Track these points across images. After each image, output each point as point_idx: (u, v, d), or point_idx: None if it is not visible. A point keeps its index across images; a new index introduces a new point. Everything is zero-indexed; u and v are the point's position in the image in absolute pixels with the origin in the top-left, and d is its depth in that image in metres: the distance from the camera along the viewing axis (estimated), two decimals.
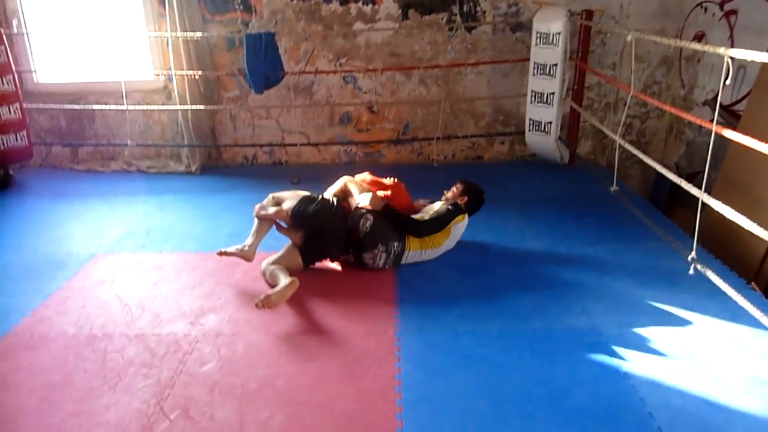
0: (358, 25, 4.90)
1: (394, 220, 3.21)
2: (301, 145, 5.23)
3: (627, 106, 3.64)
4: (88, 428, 2.15)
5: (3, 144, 4.74)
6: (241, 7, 4.86)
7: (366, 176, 3.51)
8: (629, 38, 3.25)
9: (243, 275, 3.24)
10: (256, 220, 3.27)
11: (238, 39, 4.88)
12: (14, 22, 4.95)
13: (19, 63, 5.02)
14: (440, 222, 3.29)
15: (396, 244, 3.19)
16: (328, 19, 4.89)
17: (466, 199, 3.46)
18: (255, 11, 4.87)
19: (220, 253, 3.16)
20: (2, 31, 4.66)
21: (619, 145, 3.62)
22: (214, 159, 5.36)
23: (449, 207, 3.35)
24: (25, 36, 5.02)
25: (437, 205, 3.43)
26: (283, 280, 2.90)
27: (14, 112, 4.77)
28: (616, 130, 4.28)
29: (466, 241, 3.50)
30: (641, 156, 3.19)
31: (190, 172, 5.03)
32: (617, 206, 3.92)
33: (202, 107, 4.96)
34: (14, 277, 3.27)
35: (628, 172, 5.25)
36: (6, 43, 4.66)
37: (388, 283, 3.13)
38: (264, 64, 4.63)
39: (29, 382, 2.40)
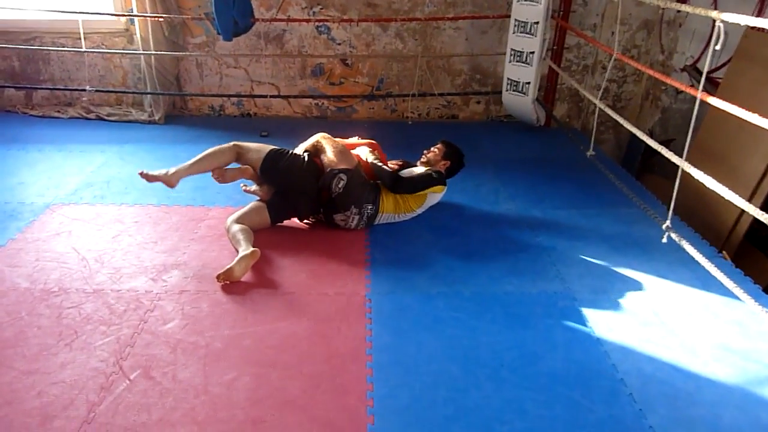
0: None
1: (376, 170, 3.11)
2: (270, 96, 5.02)
3: (608, 69, 3.56)
4: (42, 388, 2.04)
5: None
6: None
7: (356, 140, 3.36)
8: None
9: (208, 230, 3.11)
10: (201, 154, 3.06)
11: None
12: None
13: None
14: (420, 183, 3.18)
15: (369, 207, 3.10)
16: None
17: (448, 163, 3.36)
18: None
19: (142, 174, 2.94)
20: None
21: (597, 110, 3.56)
22: (179, 108, 5.12)
23: (433, 173, 3.23)
24: None
25: (417, 169, 3.32)
26: (243, 248, 2.76)
27: None
28: (593, 93, 4.22)
29: (440, 202, 3.43)
30: (622, 121, 3.13)
31: (153, 121, 4.80)
32: (592, 171, 3.89)
33: (166, 53, 4.69)
34: None
35: (601, 137, 5.23)
36: None
37: (359, 243, 3.04)
38: (233, 8, 4.36)
39: None
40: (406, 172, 3.28)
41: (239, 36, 4.57)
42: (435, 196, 3.30)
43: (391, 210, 3.17)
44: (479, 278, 2.78)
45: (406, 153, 3.67)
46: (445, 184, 3.30)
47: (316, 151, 3.19)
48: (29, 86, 4.93)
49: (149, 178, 2.95)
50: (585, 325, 2.46)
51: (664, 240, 2.66)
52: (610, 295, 2.67)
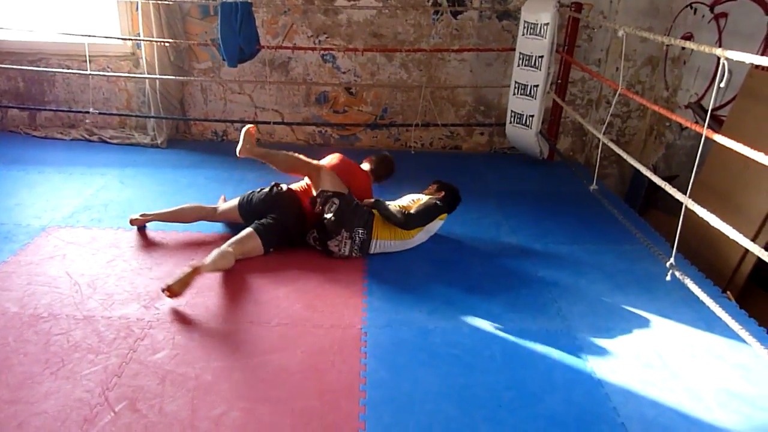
0: (341, 2, 4.70)
1: (386, 214, 3.10)
2: (274, 123, 5.02)
3: (613, 104, 3.55)
4: (24, 418, 1.98)
5: None
6: None
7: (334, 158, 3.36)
8: (621, 33, 3.14)
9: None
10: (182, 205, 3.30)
11: (213, 7, 4.63)
12: None
13: None
14: (429, 214, 3.19)
15: (361, 231, 3.06)
16: None
17: (442, 193, 3.33)
18: None
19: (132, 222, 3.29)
20: None
21: (600, 145, 3.53)
22: (182, 132, 5.12)
23: (437, 201, 3.22)
24: None
25: (424, 197, 3.29)
26: (194, 263, 2.75)
27: None
28: (597, 128, 4.21)
29: (441, 234, 3.38)
30: (626, 156, 3.10)
31: (155, 145, 4.79)
32: (595, 205, 3.85)
33: (171, 77, 4.71)
34: None
35: (605, 171, 5.20)
36: None
37: (357, 274, 2.99)
38: (239, 35, 4.40)
39: None
40: (413, 198, 3.30)
41: (244, 62, 4.60)
42: (435, 224, 3.27)
43: (387, 237, 3.13)
44: (478, 313, 2.71)
45: (409, 182, 3.64)
46: (447, 212, 3.30)
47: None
48: (33, 107, 4.95)
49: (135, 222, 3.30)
50: (586, 366, 2.39)
51: (668, 278, 2.60)
52: (612, 334, 2.60)
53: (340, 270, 3.02)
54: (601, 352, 2.48)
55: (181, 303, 2.66)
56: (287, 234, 3.14)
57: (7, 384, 2.12)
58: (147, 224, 3.34)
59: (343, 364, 2.33)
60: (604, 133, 3.48)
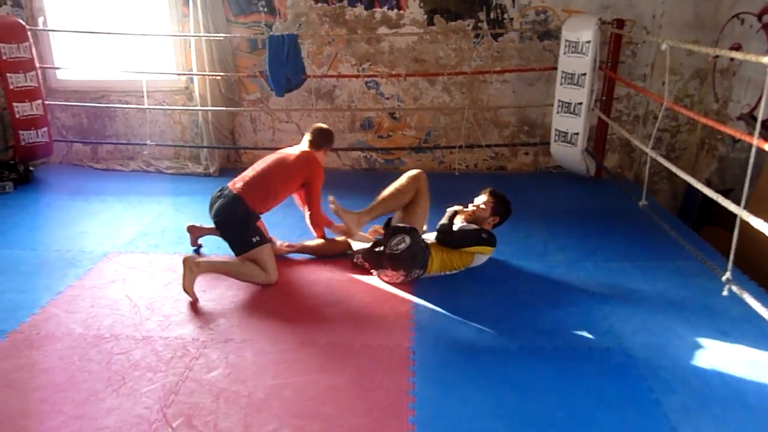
0: (383, 30, 4.82)
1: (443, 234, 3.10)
2: None
3: (659, 118, 3.49)
4: None
5: (24, 140, 4.75)
6: (266, 9, 4.82)
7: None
8: (664, 47, 3.11)
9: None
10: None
11: (261, 41, 4.83)
12: (40, 20, 4.97)
13: (44, 60, 5.03)
14: (467, 240, 3.11)
15: (418, 271, 3.08)
16: (353, 23, 4.82)
17: (497, 219, 3.28)
18: (279, 13, 4.83)
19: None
20: (28, 28, 4.69)
21: (649, 158, 3.47)
22: (233, 161, 5.31)
23: (483, 234, 3.14)
24: (50, 33, 5.03)
25: (467, 227, 3.23)
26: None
27: (36, 108, 4.78)
28: (645, 143, 4.13)
29: None
30: (674, 169, 3.04)
31: (208, 174, 4.98)
32: (646, 221, 3.77)
33: (222, 109, 4.92)
34: (26, 273, 3.22)
35: (655, 188, 5.08)
36: (31, 40, 4.67)
37: (404, 294, 3.01)
38: (286, 66, 4.57)
39: (32, 381, 2.34)
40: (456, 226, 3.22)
41: (291, 92, 4.76)
42: (482, 257, 3.20)
43: (436, 270, 3.13)
44: (528, 332, 2.69)
45: (453, 203, 3.66)
46: (493, 246, 3.18)
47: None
48: (95, 141, 5.25)
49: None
50: (641, 384, 2.32)
51: (725, 293, 2.51)
52: (667, 351, 2.53)
53: (387, 290, 3.05)
54: (656, 370, 2.41)
55: (233, 324, 2.74)
56: (233, 246, 3.15)
57: (73, 400, 2.23)
58: (201, 246, 3.47)
59: (391, 383, 2.34)
60: (652, 148, 3.43)
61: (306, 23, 4.84)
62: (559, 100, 4.52)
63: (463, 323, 2.76)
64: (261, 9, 4.82)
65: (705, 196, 2.79)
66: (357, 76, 4.91)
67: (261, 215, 3.21)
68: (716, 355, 2.51)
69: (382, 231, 3.26)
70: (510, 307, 2.89)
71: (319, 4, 4.78)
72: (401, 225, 3.07)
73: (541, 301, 2.96)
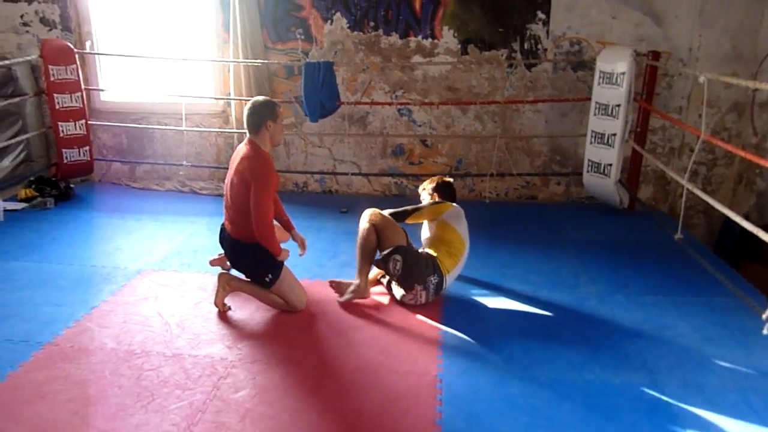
0: (417, 58, 4.89)
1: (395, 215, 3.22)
2: (352, 174, 5.20)
3: (695, 151, 3.44)
4: None
5: (67, 158, 4.92)
6: (303, 36, 4.94)
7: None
8: (702, 80, 3.09)
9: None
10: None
11: (297, 67, 4.94)
12: (88, 44, 5.17)
13: (89, 81, 5.22)
14: (419, 207, 3.28)
15: (433, 278, 3.08)
16: (387, 51, 4.90)
17: (436, 194, 3.42)
18: (316, 41, 4.94)
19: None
20: (76, 51, 4.88)
21: (685, 191, 3.41)
22: None
23: (434, 202, 3.36)
24: (96, 56, 5.24)
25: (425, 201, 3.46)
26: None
27: (80, 128, 4.95)
28: (680, 176, 4.07)
29: (516, 283, 3.35)
30: (713, 203, 2.98)
31: None
32: (681, 255, 3.69)
33: None
34: (63, 287, 3.30)
35: (691, 221, 4.98)
36: (78, 62, 4.87)
37: (432, 321, 2.99)
38: (321, 92, 4.66)
39: (65, 393, 2.38)
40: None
41: (325, 117, 4.84)
42: (453, 213, 3.28)
43: (452, 265, 3.17)
44: (557, 364, 2.64)
45: (484, 232, 3.65)
46: (448, 202, 3.32)
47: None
48: (133, 161, 5.39)
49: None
50: (676, 423, 2.25)
51: (765, 331, 2.44)
52: (704, 390, 2.45)
53: (415, 317, 3.04)
54: (692, 409, 2.33)
55: (261, 344, 2.75)
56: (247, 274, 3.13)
57: (103, 414, 2.26)
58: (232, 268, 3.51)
59: (418, 411, 2.32)
60: (688, 181, 3.37)
61: (342, 51, 4.93)
62: (593, 131, 4.49)
63: (492, 353, 2.72)
64: (298, 36, 4.94)
65: (743, 230, 2.72)
66: (390, 104, 4.97)
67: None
68: (756, 394, 2.42)
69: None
70: (539, 339, 2.85)
71: (355, 33, 4.88)
72: (386, 251, 3.07)
73: (572, 333, 2.90)
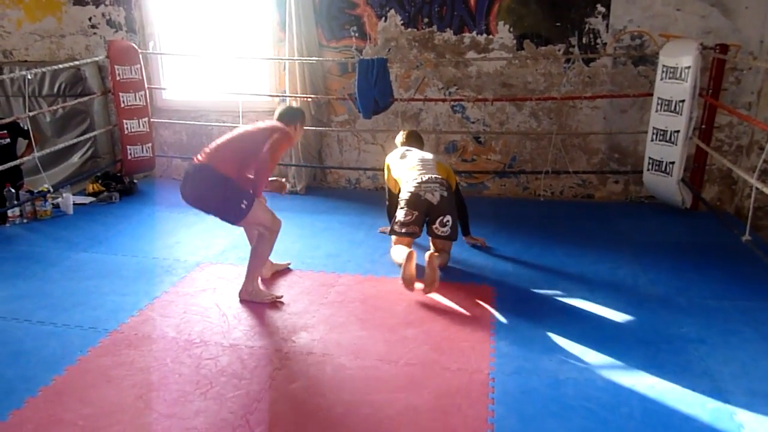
0: (471, 55, 4.84)
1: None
2: None
3: (766, 149, 3.28)
4: None
5: (131, 155, 5.12)
6: (357, 34, 4.97)
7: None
8: None
9: (337, 295, 3.22)
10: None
11: (351, 64, 4.98)
12: (151, 44, 5.37)
13: (152, 81, 5.43)
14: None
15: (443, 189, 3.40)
16: (441, 48, 4.88)
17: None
18: (369, 38, 4.97)
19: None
20: (140, 51, 5.08)
21: (754, 191, 3.26)
22: (319, 180, 5.47)
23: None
24: (159, 56, 5.43)
25: None
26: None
27: (143, 125, 5.15)
28: (749, 175, 3.89)
29: (572, 282, 3.27)
30: None
31: (295, 192, 5.16)
32: (748, 258, 3.53)
33: (311, 128, 5.09)
34: (127, 277, 3.45)
35: (759, 223, 4.74)
36: (142, 62, 5.06)
37: (485, 319, 2.97)
38: (374, 89, 4.68)
39: (129, 378, 2.49)
40: None
41: (378, 114, 4.86)
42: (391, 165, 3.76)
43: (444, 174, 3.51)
44: (614, 367, 2.57)
45: (538, 231, 3.59)
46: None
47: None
48: (192, 158, 5.55)
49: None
50: None
51: None
52: None
53: (468, 314, 3.02)
54: (759, 419, 2.23)
55: (315, 338, 2.80)
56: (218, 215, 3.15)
57: (165, 400, 2.35)
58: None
59: (470, 409, 2.30)
60: (758, 180, 3.22)
61: (395, 47, 4.94)
62: (654, 128, 4.34)
63: (546, 353, 2.68)
64: (352, 34, 4.98)
65: None
66: (444, 100, 4.95)
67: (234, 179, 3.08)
68: None
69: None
70: (595, 341, 2.78)
71: (409, 29, 4.88)
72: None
73: (630, 336, 2.82)
